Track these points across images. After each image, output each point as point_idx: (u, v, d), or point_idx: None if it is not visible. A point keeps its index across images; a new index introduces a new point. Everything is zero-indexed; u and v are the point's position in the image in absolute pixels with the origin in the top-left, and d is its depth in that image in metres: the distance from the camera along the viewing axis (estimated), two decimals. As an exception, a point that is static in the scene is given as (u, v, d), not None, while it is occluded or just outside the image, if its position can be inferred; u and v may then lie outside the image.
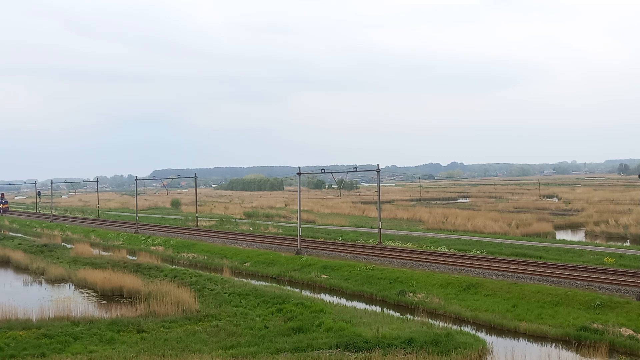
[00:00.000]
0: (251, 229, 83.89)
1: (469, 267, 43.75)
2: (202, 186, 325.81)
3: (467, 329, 31.45)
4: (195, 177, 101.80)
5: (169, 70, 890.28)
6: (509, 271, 41.10)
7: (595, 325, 29.17)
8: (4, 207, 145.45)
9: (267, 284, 46.43)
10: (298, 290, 44.17)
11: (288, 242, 64.35)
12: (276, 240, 66.78)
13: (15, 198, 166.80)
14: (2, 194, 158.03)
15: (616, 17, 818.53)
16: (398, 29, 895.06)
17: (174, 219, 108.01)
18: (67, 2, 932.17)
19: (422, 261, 47.07)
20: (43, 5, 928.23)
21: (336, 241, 65.95)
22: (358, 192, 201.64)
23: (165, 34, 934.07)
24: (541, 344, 29.13)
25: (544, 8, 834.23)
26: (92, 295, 43.62)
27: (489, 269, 42.12)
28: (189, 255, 63.23)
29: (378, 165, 61.82)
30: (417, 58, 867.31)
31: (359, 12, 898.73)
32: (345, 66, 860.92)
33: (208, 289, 41.38)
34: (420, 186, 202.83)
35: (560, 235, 74.98)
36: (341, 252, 54.84)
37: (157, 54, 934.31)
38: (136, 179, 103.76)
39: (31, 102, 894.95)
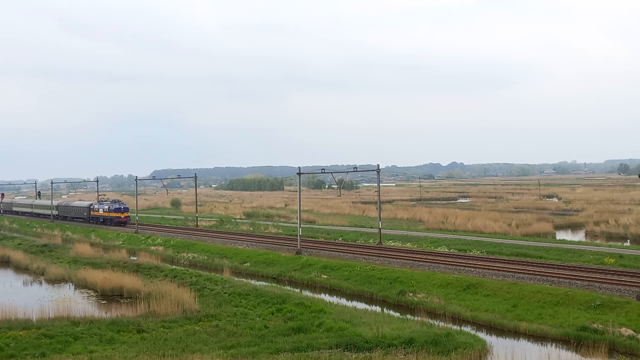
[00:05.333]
0: (251, 229, 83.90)
1: (469, 267, 43.75)
2: (202, 186, 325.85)
3: (467, 329, 31.46)
4: (195, 177, 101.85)
5: (168, 70, 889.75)
6: (509, 271, 41.11)
7: (595, 325, 29.16)
8: (124, 215, 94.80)
9: (267, 284, 46.43)
10: (298, 290, 44.17)
11: (288, 242, 64.36)
12: (276, 240, 66.79)
13: (16, 198, 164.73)
14: (2, 194, 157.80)
15: (613, 17, 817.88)
16: (396, 29, 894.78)
17: (174, 219, 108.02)
18: (63, 2, 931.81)
19: (422, 261, 47.08)
20: (39, 5, 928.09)
21: (336, 241, 65.94)
22: (358, 192, 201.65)
23: (163, 34, 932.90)
24: (541, 344, 29.13)
25: (540, 8, 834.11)
26: (92, 295, 43.63)
27: (489, 269, 42.12)
28: (189, 255, 63.24)
29: (378, 165, 61.86)
30: (416, 58, 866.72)
31: (357, 12, 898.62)
32: (345, 66, 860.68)
33: (208, 289, 41.40)
34: (420, 186, 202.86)
35: (560, 235, 75.00)
36: (341, 252, 54.84)
37: (155, 54, 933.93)
38: (136, 179, 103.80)
39: (28, 102, 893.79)
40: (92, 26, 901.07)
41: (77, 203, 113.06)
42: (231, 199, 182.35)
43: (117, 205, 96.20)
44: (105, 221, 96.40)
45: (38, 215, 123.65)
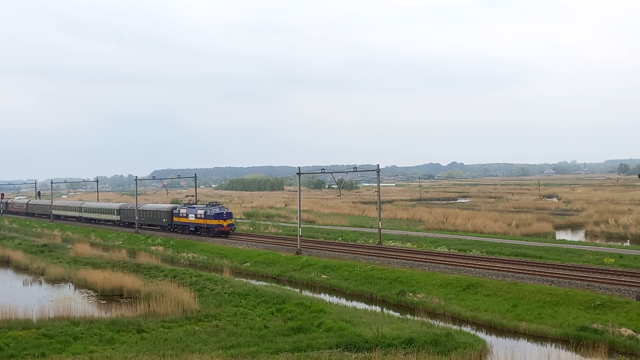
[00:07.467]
0: (251, 229, 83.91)
1: (469, 267, 43.75)
2: (202, 186, 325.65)
3: (467, 329, 31.46)
4: (195, 177, 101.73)
5: (168, 70, 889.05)
6: (509, 271, 41.11)
7: (595, 325, 29.17)
8: (227, 223, 71.88)
9: (267, 284, 46.44)
10: (298, 290, 44.18)
11: (288, 242, 64.37)
12: (276, 240, 66.80)
13: (15, 198, 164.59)
14: (2, 194, 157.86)
15: (612, 17, 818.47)
16: (396, 29, 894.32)
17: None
18: (62, 2, 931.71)
19: (422, 261, 47.08)
20: (38, 5, 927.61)
21: (336, 241, 65.94)
22: (358, 192, 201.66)
23: (163, 34, 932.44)
24: (541, 344, 29.14)
25: (539, 8, 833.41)
26: (92, 295, 43.64)
27: (489, 269, 42.12)
28: (189, 255, 63.25)
29: (378, 165, 61.83)
30: (416, 58, 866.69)
31: (357, 12, 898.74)
32: (345, 66, 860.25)
33: (208, 289, 41.40)
34: (420, 186, 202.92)
35: (560, 235, 75.02)
36: (341, 252, 54.84)
37: (155, 54, 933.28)
38: (136, 179, 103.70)
39: (27, 102, 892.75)
40: (92, 26, 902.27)
41: (151, 206, 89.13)
42: (231, 199, 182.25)
43: (218, 210, 72.18)
44: (199, 230, 73.45)
45: (90, 220, 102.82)
